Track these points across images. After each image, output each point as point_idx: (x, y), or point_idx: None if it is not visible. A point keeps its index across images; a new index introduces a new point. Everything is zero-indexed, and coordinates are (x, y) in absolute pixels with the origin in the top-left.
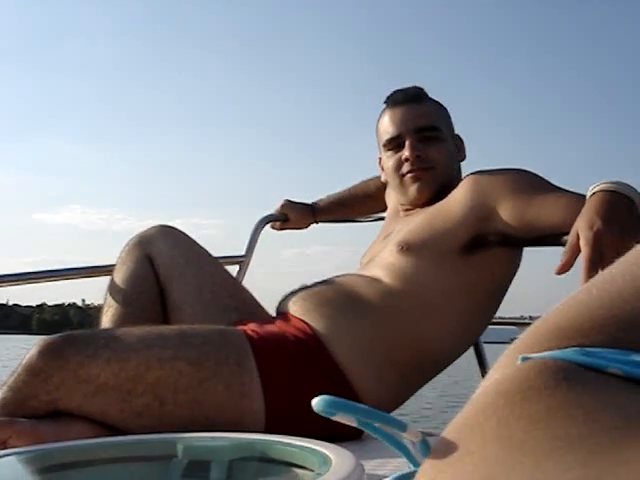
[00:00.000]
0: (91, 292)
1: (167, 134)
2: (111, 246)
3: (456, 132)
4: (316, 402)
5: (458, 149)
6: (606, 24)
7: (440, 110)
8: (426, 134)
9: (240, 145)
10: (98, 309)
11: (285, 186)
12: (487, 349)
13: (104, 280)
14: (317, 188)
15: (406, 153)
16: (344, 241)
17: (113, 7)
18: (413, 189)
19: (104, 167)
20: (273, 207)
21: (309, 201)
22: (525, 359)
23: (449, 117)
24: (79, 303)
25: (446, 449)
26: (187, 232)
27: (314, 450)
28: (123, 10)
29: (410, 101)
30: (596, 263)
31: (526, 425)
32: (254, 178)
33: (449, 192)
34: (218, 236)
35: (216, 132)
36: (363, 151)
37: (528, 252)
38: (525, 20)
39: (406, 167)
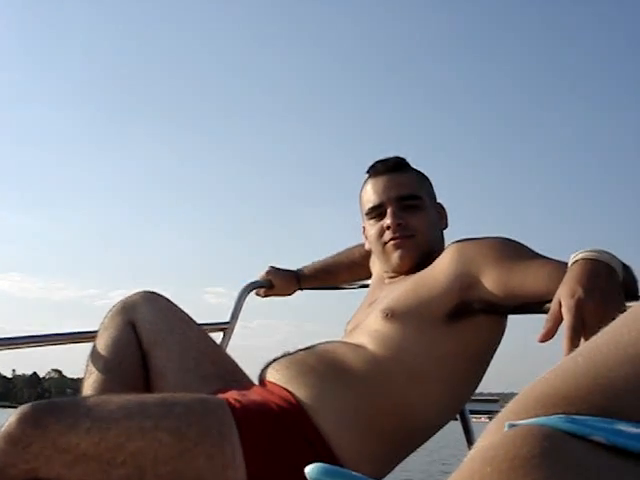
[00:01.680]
0: (72, 360)
1: (112, 203)
2: (52, 315)
3: (438, 201)
4: (310, 470)
5: (440, 217)
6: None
7: (421, 179)
8: (407, 203)
9: (187, 217)
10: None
11: (232, 258)
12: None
13: (86, 347)
14: (272, 258)
15: (387, 221)
16: (286, 315)
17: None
18: (395, 256)
19: (46, 235)
20: (223, 278)
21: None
22: (512, 426)
23: (431, 186)
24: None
25: None
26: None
27: None
28: (65, 73)
29: (391, 171)
30: (578, 331)
31: None
32: (200, 250)
33: (432, 260)
34: None
35: (163, 202)
36: (324, 218)
37: (512, 320)
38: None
39: (388, 235)
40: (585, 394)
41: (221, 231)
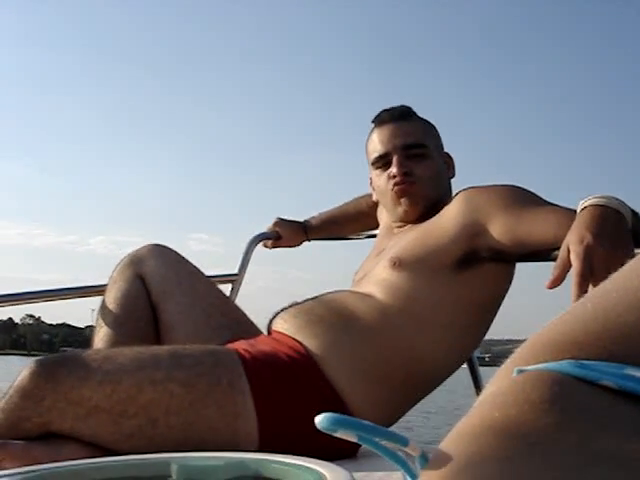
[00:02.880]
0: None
1: (90, 149)
2: (31, 261)
3: (445, 150)
4: (319, 420)
5: (447, 166)
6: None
7: (428, 128)
8: (413, 151)
9: (166, 162)
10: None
11: (214, 205)
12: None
13: (96, 300)
14: (255, 209)
15: (393, 170)
16: (268, 262)
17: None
18: (401, 204)
19: (24, 182)
20: (206, 225)
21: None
22: (521, 371)
23: (437, 135)
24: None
25: (443, 462)
26: (110, 249)
27: (309, 468)
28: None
29: (397, 119)
30: (587, 277)
31: (523, 448)
32: (180, 196)
33: (440, 209)
34: None
35: (140, 148)
36: (301, 165)
37: (521, 267)
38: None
39: (394, 183)
40: (594, 339)
41: (202, 179)
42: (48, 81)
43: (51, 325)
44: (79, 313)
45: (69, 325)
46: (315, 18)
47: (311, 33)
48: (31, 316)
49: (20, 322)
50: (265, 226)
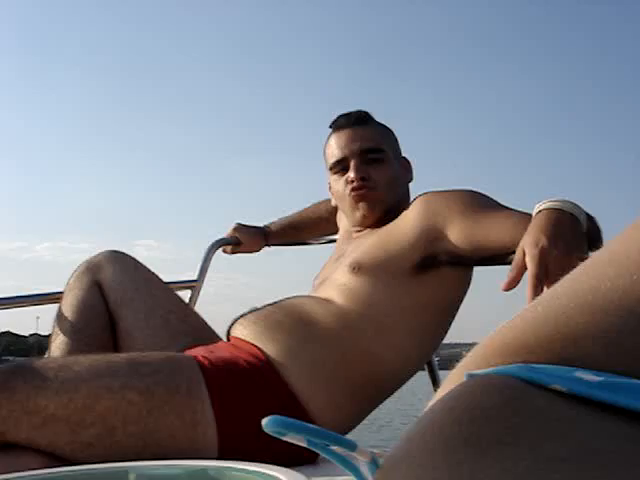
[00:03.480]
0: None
1: (37, 155)
2: None
3: (404, 155)
4: (266, 422)
5: (405, 170)
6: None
7: (385, 132)
8: (370, 156)
9: (115, 169)
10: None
11: (160, 211)
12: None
13: (53, 308)
14: (205, 215)
15: (351, 175)
16: (218, 269)
17: None
18: (359, 209)
19: None
20: (153, 231)
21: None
22: (471, 376)
23: (395, 139)
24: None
25: (394, 466)
26: (56, 256)
27: (268, 475)
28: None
29: (354, 124)
30: (541, 280)
31: (475, 452)
32: (127, 203)
33: (398, 213)
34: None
35: (89, 154)
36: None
37: (478, 271)
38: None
39: (351, 188)
40: (545, 343)
41: (149, 185)
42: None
43: (23, 337)
44: (23, 321)
45: (12, 333)
46: (274, 17)
47: (272, 32)
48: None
49: None
50: (220, 231)
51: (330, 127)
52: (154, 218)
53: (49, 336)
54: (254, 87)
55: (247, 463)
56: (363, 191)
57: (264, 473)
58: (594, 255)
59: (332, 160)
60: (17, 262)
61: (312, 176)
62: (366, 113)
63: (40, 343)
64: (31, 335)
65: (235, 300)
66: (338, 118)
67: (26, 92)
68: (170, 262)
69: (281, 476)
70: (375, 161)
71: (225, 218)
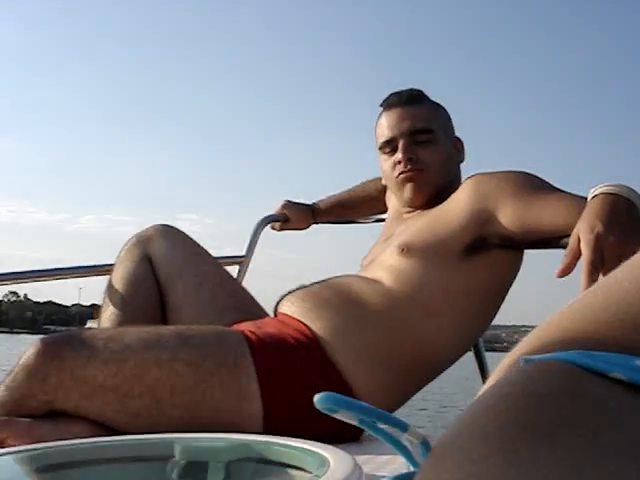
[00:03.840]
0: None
1: (80, 130)
2: (21, 239)
3: (457, 135)
4: (318, 398)
5: (457, 151)
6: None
7: (436, 112)
8: (419, 137)
9: (156, 144)
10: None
11: (204, 187)
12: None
13: (104, 279)
14: (246, 192)
15: (399, 156)
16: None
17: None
18: (407, 190)
19: (15, 159)
20: (196, 206)
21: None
22: (528, 361)
23: (447, 119)
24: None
25: (447, 452)
26: (100, 228)
27: (312, 452)
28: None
29: (405, 104)
30: (597, 266)
31: (532, 441)
32: (169, 178)
33: (449, 194)
34: (131, 234)
35: (131, 130)
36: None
37: (530, 255)
38: (529, 20)
39: (399, 169)
40: (604, 329)
41: (191, 161)
42: (45, 61)
43: (37, 303)
44: (66, 291)
45: (55, 303)
46: (310, 4)
47: (304, 18)
48: (14, 293)
49: (3, 299)
50: (259, 207)
51: (381, 105)
52: (196, 193)
53: (92, 306)
54: (301, 67)
55: (291, 439)
56: (411, 173)
57: (308, 449)
58: None
59: (381, 140)
60: (62, 233)
61: (359, 155)
62: (419, 92)
63: (81, 313)
64: (73, 305)
65: (275, 277)
66: (390, 96)
67: (74, 64)
68: (209, 236)
69: (325, 453)
70: (425, 142)
71: (265, 195)
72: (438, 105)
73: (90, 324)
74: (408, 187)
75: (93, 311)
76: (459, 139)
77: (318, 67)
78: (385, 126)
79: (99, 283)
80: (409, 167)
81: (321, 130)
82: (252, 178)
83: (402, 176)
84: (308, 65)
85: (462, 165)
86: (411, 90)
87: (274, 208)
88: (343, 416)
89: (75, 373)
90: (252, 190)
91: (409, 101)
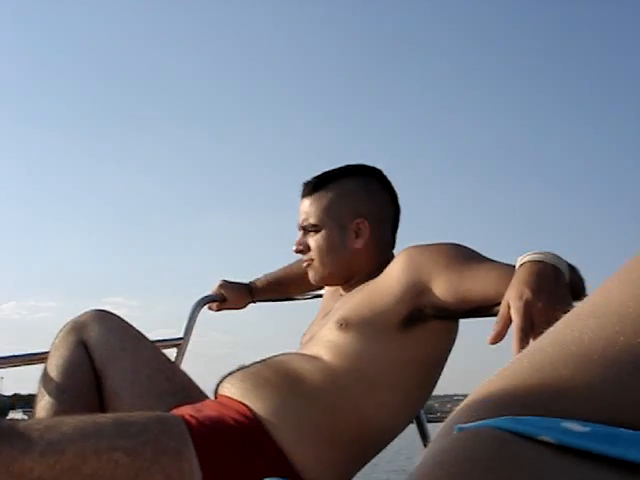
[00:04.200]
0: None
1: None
2: None
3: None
4: None
5: (356, 235)
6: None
7: (334, 200)
8: (309, 229)
9: (78, 225)
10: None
11: (128, 268)
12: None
13: (26, 369)
14: (169, 271)
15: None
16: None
17: None
18: (309, 276)
19: None
20: (121, 288)
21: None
22: (461, 429)
23: (352, 201)
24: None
25: None
26: (22, 315)
27: None
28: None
29: (304, 195)
30: (527, 332)
31: None
32: (93, 260)
33: (353, 274)
34: (54, 319)
35: (53, 210)
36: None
37: (461, 324)
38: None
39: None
40: (531, 394)
41: (114, 242)
42: None
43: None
44: None
45: None
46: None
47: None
48: None
49: None
50: (198, 288)
51: None
52: (121, 275)
53: (13, 396)
54: (224, 141)
55: None
56: (305, 262)
57: None
58: (577, 307)
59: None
60: None
61: (284, 231)
62: (318, 180)
63: (2, 404)
64: None
65: (206, 357)
66: (302, 185)
67: None
68: (137, 319)
69: None
70: (312, 232)
71: (193, 274)
72: (342, 189)
73: (12, 415)
74: (308, 273)
75: (13, 402)
76: (364, 219)
77: (245, 142)
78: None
79: (21, 373)
80: (303, 258)
81: (245, 207)
82: (178, 257)
83: (303, 264)
84: (233, 140)
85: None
86: (310, 180)
87: (202, 287)
88: None
89: (10, 467)
90: (177, 269)
91: (307, 192)
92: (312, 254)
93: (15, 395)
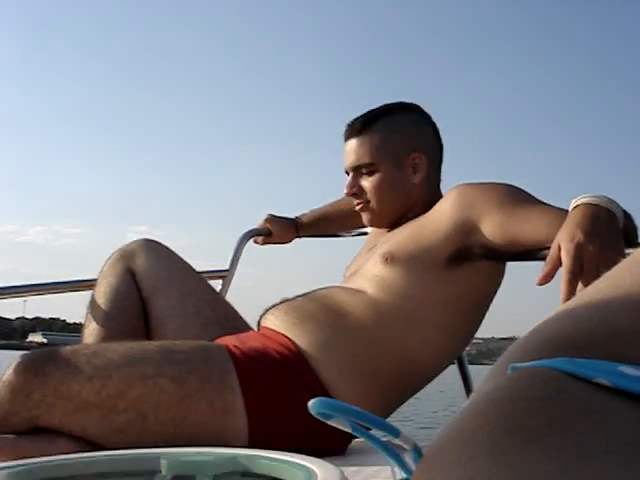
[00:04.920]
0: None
1: (32, 140)
2: None
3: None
4: (312, 404)
5: (413, 170)
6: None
7: (387, 135)
8: (363, 170)
9: (106, 153)
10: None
11: (153, 197)
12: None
13: (86, 294)
14: (198, 202)
15: (345, 190)
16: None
17: None
18: (364, 219)
19: None
20: (145, 218)
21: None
22: (515, 369)
23: (403, 137)
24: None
25: (438, 458)
26: (48, 240)
27: (299, 464)
28: None
29: (350, 137)
30: (576, 275)
31: (520, 442)
32: (119, 189)
33: (415, 211)
34: (80, 245)
35: (81, 139)
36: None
37: (511, 267)
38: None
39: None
40: (588, 337)
41: (142, 170)
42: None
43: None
44: (11, 305)
45: None
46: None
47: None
48: None
49: None
50: (216, 220)
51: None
52: (147, 205)
53: (34, 319)
54: (261, 76)
55: (278, 452)
56: (359, 206)
57: (295, 462)
58: (635, 253)
59: (344, 169)
60: (10, 245)
61: (319, 168)
62: (364, 119)
63: (24, 326)
64: (17, 319)
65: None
66: (346, 126)
67: (26, 75)
68: None
69: (312, 466)
70: (367, 173)
71: (219, 207)
72: (388, 125)
73: (31, 337)
74: (363, 216)
75: (35, 324)
76: (418, 155)
77: (282, 78)
78: (344, 157)
79: (43, 297)
80: (356, 201)
81: (278, 141)
82: (203, 191)
83: (356, 207)
84: (271, 76)
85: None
86: (355, 120)
87: (227, 222)
88: (336, 422)
89: (58, 389)
90: (202, 204)
91: (353, 133)
92: (368, 195)
93: (36, 318)
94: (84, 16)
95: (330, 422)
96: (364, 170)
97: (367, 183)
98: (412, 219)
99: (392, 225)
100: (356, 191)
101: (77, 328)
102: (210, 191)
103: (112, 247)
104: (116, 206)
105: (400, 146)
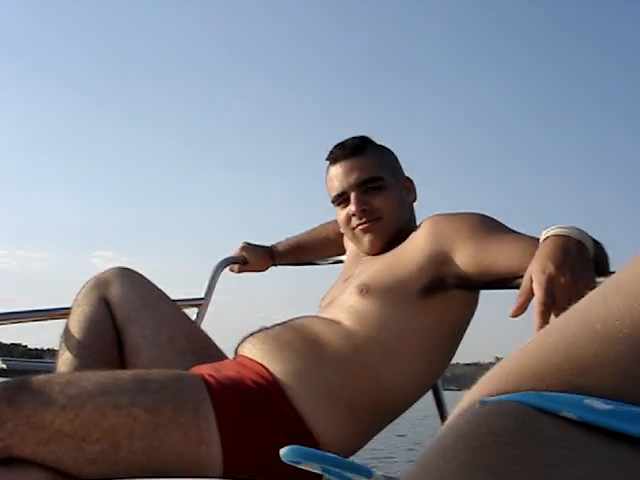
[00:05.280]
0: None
1: None
2: None
3: (406, 174)
4: (284, 452)
5: (408, 191)
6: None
7: (382, 157)
8: (369, 185)
9: (73, 178)
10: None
11: (120, 222)
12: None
13: (60, 323)
14: (162, 227)
15: (352, 208)
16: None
17: None
18: (365, 241)
19: None
20: (111, 243)
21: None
22: (484, 402)
23: (394, 160)
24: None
25: None
26: (11, 265)
27: None
28: None
29: (349, 155)
30: (549, 306)
31: (486, 478)
32: (85, 214)
33: (406, 235)
34: (46, 271)
35: (48, 164)
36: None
37: (484, 296)
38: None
39: (355, 221)
40: (555, 370)
41: (110, 194)
42: None
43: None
44: None
45: None
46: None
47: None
48: None
49: None
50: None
51: (327, 159)
52: (113, 230)
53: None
54: (227, 100)
55: None
56: (368, 224)
57: None
58: (603, 284)
59: (333, 193)
60: None
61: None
62: (361, 140)
63: None
64: None
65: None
66: (333, 149)
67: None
68: None
69: None
70: (376, 189)
71: (183, 235)
72: (382, 149)
73: None
74: (367, 237)
75: None
76: (408, 178)
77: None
78: (335, 180)
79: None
80: (364, 219)
81: (239, 167)
82: (170, 217)
83: (360, 228)
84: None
85: (417, 204)
86: (353, 139)
87: (192, 248)
88: (308, 467)
89: (31, 419)
90: (168, 229)
91: (353, 152)
92: (380, 212)
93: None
94: (42, 40)
95: (301, 466)
96: (370, 186)
97: (377, 199)
98: (398, 245)
99: (380, 251)
100: (367, 208)
101: (39, 354)
102: (179, 217)
103: (77, 272)
104: (83, 231)
105: (396, 167)
